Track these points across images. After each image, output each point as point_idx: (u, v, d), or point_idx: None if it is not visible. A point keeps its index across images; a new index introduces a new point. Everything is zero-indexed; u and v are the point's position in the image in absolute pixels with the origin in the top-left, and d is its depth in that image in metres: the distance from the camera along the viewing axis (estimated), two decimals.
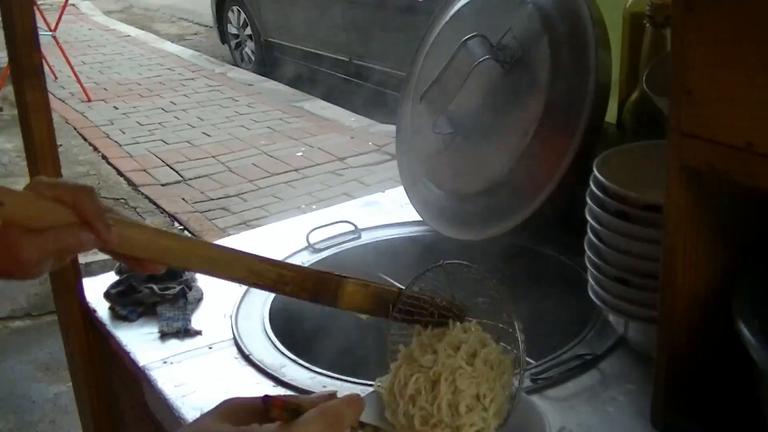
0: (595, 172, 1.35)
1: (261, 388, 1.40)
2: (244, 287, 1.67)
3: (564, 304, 1.66)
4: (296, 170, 6.00)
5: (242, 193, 5.67)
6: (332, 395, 0.92)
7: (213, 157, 6.40)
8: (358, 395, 0.91)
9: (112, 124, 7.39)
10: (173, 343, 1.55)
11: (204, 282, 1.71)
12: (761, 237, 1.20)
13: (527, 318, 1.70)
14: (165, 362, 1.49)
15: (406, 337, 1.20)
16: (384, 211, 1.99)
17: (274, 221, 2.11)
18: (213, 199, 5.60)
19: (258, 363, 1.46)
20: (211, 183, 5.88)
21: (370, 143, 6.46)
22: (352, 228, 1.87)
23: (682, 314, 1.18)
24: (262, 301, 1.64)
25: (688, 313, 1.18)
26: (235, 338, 1.54)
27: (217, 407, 0.91)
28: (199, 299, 1.67)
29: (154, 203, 5.66)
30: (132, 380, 1.52)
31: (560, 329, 1.54)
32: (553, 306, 1.70)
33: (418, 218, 1.88)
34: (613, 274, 1.34)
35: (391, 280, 1.71)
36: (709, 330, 1.20)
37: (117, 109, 7.87)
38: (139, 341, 1.57)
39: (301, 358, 1.46)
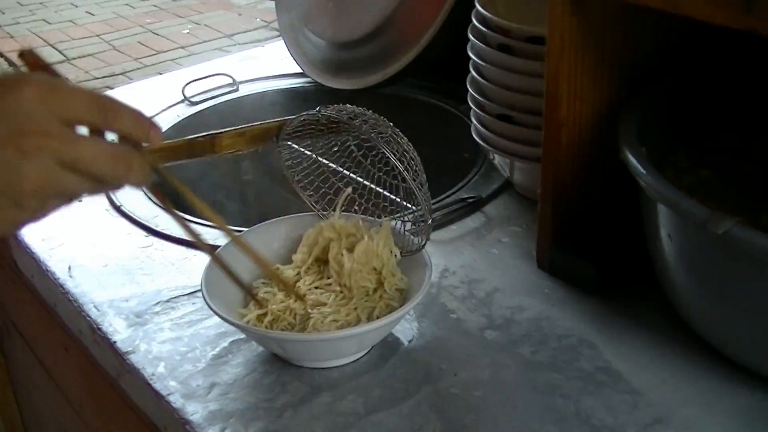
0: (477, 6, 1.29)
1: (132, 238, 1.33)
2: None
3: (450, 153, 1.61)
4: (183, 47, 5.82)
5: (127, 72, 5.49)
6: None
7: (97, 36, 6.18)
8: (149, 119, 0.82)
9: None
10: None
11: None
12: (648, 66, 1.16)
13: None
14: None
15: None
16: (263, 65, 1.91)
17: None
18: (98, 78, 5.42)
19: (129, 213, 1.38)
20: (96, 62, 5.68)
21: (258, 20, 6.30)
22: (230, 81, 1.79)
23: (567, 149, 1.13)
24: None
25: (572, 148, 1.14)
26: None
27: None
28: None
29: None
30: None
31: (446, 177, 1.50)
32: (438, 156, 1.66)
33: (299, 70, 1.80)
34: (495, 112, 1.29)
35: None
36: (596, 165, 1.17)
37: None
38: None
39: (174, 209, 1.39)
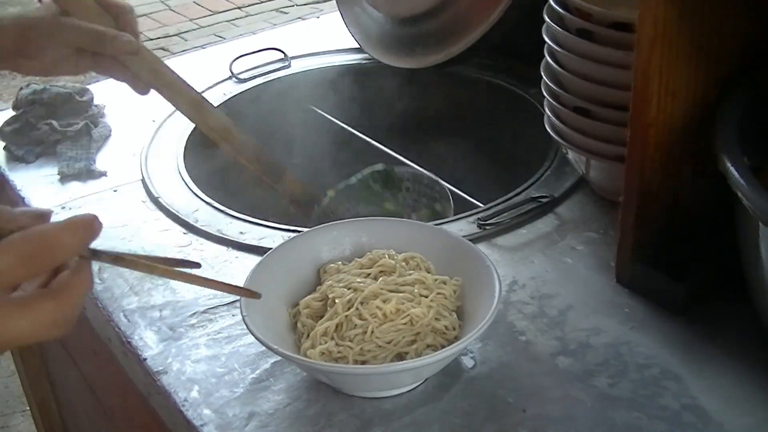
0: None
1: (170, 234, 1.22)
2: (157, 123, 1.48)
3: (518, 141, 1.49)
4: (240, 8, 5.72)
5: (182, 33, 5.40)
6: (44, 215, 0.74)
7: None
8: (89, 218, 0.70)
9: None
10: (74, 186, 1.36)
11: (113, 117, 1.52)
12: (748, 57, 1.02)
13: (475, 157, 1.54)
14: (63, 207, 1.31)
15: None
16: (317, 38, 1.78)
17: None
18: (152, 39, 5.34)
19: (167, 206, 1.27)
20: (150, 22, 5.59)
21: None
22: (282, 56, 1.67)
23: (655, 152, 1.00)
24: (176, 137, 1.44)
25: (661, 151, 1.01)
26: (143, 179, 1.35)
27: None
28: (107, 137, 1.48)
29: None
30: None
31: (513, 169, 1.38)
32: (505, 144, 1.54)
33: (356, 45, 1.68)
34: (573, 104, 1.15)
35: (322, 113, 1.54)
36: (686, 170, 1.04)
37: None
38: (37, 185, 1.38)
39: (217, 201, 1.28)
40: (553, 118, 1.20)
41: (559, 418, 0.91)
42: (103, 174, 1.38)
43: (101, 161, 1.42)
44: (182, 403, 0.95)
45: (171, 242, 1.20)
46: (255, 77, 1.63)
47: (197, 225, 1.23)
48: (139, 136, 1.46)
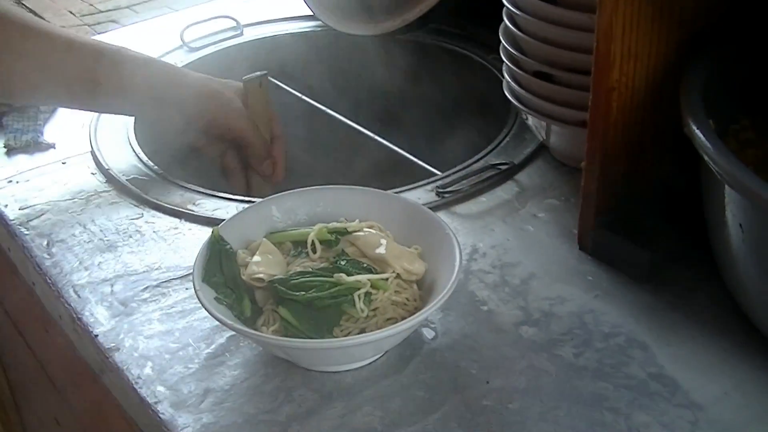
0: None
1: (121, 207, 1.19)
2: None
3: (475, 108, 1.46)
4: None
5: (133, 5, 5.32)
6: None
7: None
8: None
9: None
10: (21, 159, 1.32)
11: None
12: (711, 18, 1.00)
13: (433, 124, 1.51)
14: (10, 181, 1.26)
15: None
16: (270, 6, 1.74)
17: None
18: (102, 11, 5.26)
19: (118, 178, 1.23)
20: None
21: None
22: (234, 24, 1.63)
23: (618, 115, 0.98)
24: None
25: (624, 115, 0.98)
26: (93, 151, 1.31)
27: None
28: (55, 108, 1.43)
29: (40, 16, 5.28)
30: None
31: (472, 137, 1.35)
32: (463, 111, 1.51)
33: (309, 12, 1.64)
34: (533, 68, 1.13)
35: (277, 82, 1.50)
36: (649, 134, 1.02)
37: None
38: None
39: (169, 174, 1.24)
40: (513, 84, 1.18)
41: (524, 389, 0.88)
42: (51, 146, 1.34)
43: (49, 133, 1.38)
44: (135, 380, 0.92)
45: (122, 215, 1.17)
46: (207, 46, 1.59)
47: (149, 197, 1.19)
48: None
